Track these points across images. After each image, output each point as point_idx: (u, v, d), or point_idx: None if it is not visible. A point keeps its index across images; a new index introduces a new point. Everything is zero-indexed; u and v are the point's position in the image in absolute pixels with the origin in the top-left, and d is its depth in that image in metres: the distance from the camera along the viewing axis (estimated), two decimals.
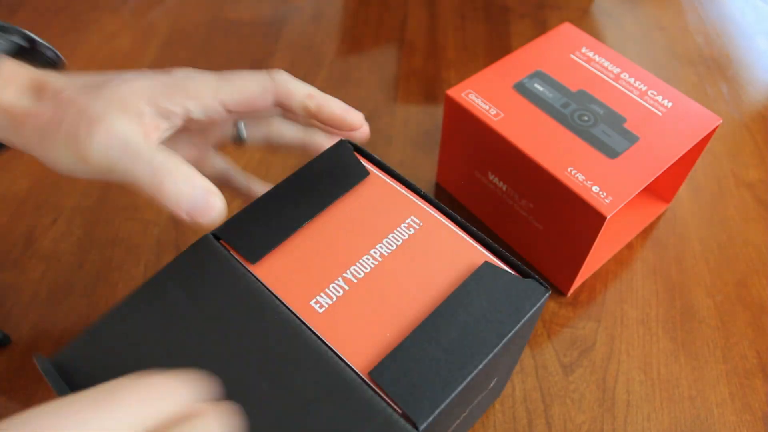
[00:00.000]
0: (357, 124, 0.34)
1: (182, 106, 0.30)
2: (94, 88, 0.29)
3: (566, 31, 0.50)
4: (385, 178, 0.33)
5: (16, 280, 0.45)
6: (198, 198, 0.28)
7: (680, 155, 0.42)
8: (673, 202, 0.51)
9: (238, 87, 0.31)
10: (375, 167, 0.34)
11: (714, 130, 0.43)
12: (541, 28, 0.67)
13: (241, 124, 0.37)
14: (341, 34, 0.66)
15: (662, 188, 0.50)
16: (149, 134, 0.29)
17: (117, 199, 0.50)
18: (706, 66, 0.64)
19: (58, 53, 0.35)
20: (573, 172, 0.40)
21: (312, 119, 0.33)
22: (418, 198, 0.33)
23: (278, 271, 0.29)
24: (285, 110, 0.33)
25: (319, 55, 0.63)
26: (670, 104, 0.44)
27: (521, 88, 0.45)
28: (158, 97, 0.30)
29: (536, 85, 0.45)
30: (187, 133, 0.34)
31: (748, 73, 0.63)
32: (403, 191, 0.33)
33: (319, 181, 0.33)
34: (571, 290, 0.45)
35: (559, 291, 0.46)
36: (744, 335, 0.44)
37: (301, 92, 0.32)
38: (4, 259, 0.46)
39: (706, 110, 0.44)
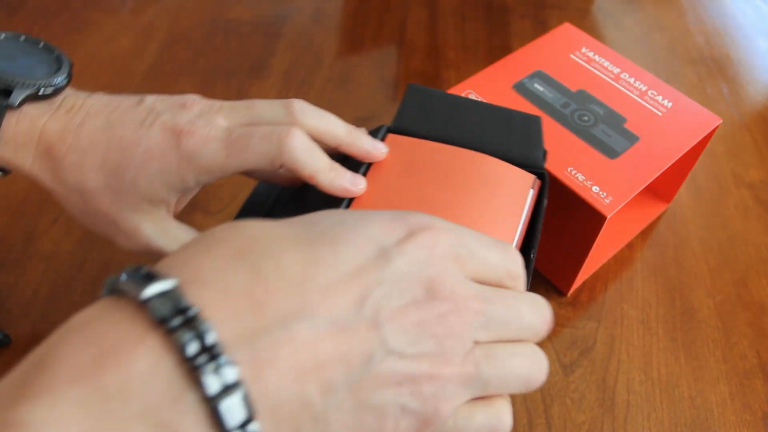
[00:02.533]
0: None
1: (196, 181, 0.31)
2: (114, 179, 0.31)
3: (566, 31, 0.50)
4: (526, 207, 0.33)
5: (16, 280, 0.45)
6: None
7: (680, 155, 0.42)
8: (673, 202, 0.51)
9: (245, 160, 0.31)
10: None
11: (714, 130, 0.43)
12: (541, 28, 0.67)
13: None
14: (341, 34, 0.66)
15: (662, 188, 0.50)
16: (180, 203, 0.35)
17: None
18: (706, 66, 0.64)
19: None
20: (573, 172, 0.40)
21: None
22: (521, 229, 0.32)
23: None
24: None
25: (319, 55, 0.63)
26: (670, 104, 0.44)
27: (521, 88, 0.45)
28: (173, 180, 0.31)
29: (536, 85, 0.45)
30: None
31: (748, 73, 0.63)
32: (519, 228, 0.32)
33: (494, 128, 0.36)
34: (571, 290, 0.45)
35: (559, 291, 0.46)
36: (744, 335, 0.44)
37: (307, 171, 0.31)
38: (4, 259, 0.46)
39: (706, 110, 0.44)
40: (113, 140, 0.30)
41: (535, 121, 0.36)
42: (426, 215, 0.23)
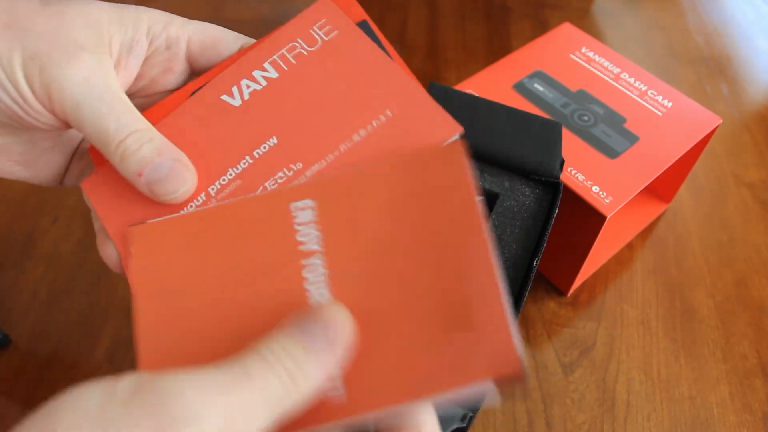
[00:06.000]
0: None
1: (148, 33, 0.25)
2: (56, 4, 0.24)
3: (566, 31, 0.50)
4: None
5: (16, 280, 0.45)
6: (164, 167, 0.23)
7: (680, 155, 0.42)
8: (673, 202, 0.51)
9: (207, 28, 0.27)
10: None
11: (714, 130, 0.43)
12: (541, 28, 0.67)
13: None
14: None
15: (662, 188, 0.50)
16: (118, 75, 0.25)
17: None
18: (706, 66, 0.64)
19: None
20: (573, 172, 0.40)
21: None
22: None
23: None
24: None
25: None
26: (670, 104, 0.44)
27: (521, 88, 0.45)
28: (126, 21, 0.25)
29: (536, 85, 0.45)
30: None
31: (748, 73, 0.63)
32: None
33: None
34: (571, 290, 0.45)
35: (559, 291, 0.46)
36: (744, 335, 0.44)
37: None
38: (4, 259, 0.46)
39: (706, 110, 0.44)
40: None
41: (554, 127, 0.36)
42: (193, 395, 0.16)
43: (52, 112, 0.23)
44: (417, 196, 0.23)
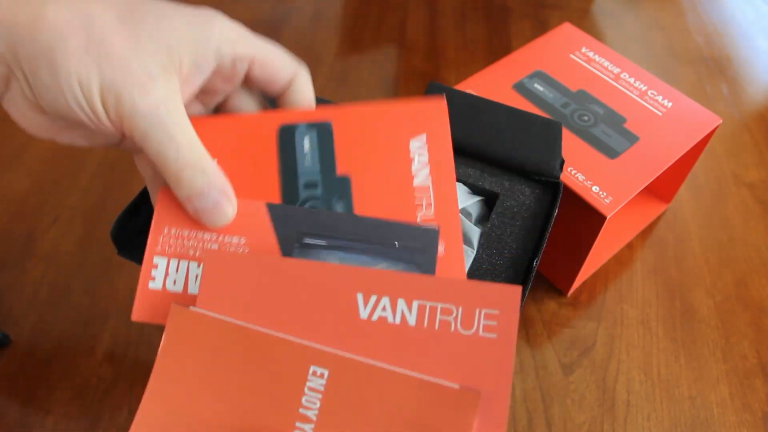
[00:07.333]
0: None
1: (217, 52, 0.27)
2: (131, 23, 0.26)
3: (566, 31, 0.50)
4: None
5: (16, 280, 0.45)
6: (210, 199, 0.27)
7: (680, 155, 0.42)
8: (673, 202, 0.51)
9: (270, 52, 0.29)
10: None
11: (714, 130, 0.43)
12: (541, 28, 0.67)
13: None
14: (341, 34, 0.66)
15: (662, 188, 0.50)
16: (183, 93, 0.27)
17: (118, 198, 0.50)
18: (706, 66, 0.64)
19: None
20: (573, 172, 0.40)
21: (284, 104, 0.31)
22: None
23: None
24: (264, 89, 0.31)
25: (319, 55, 0.63)
26: (670, 104, 0.44)
27: (521, 88, 0.45)
28: (197, 40, 0.27)
29: (536, 85, 0.45)
30: None
31: (748, 73, 0.63)
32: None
33: None
34: (571, 290, 0.45)
35: (559, 291, 0.46)
36: (744, 335, 0.44)
37: (306, 103, 0.30)
38: (4, 259, 0.46)
39: (706, 110, 0.44)
40: None
41: (555, 127, 0.36)
42: None
43: (121, 132, 0.27)
44: (419, 418, 0.23)
